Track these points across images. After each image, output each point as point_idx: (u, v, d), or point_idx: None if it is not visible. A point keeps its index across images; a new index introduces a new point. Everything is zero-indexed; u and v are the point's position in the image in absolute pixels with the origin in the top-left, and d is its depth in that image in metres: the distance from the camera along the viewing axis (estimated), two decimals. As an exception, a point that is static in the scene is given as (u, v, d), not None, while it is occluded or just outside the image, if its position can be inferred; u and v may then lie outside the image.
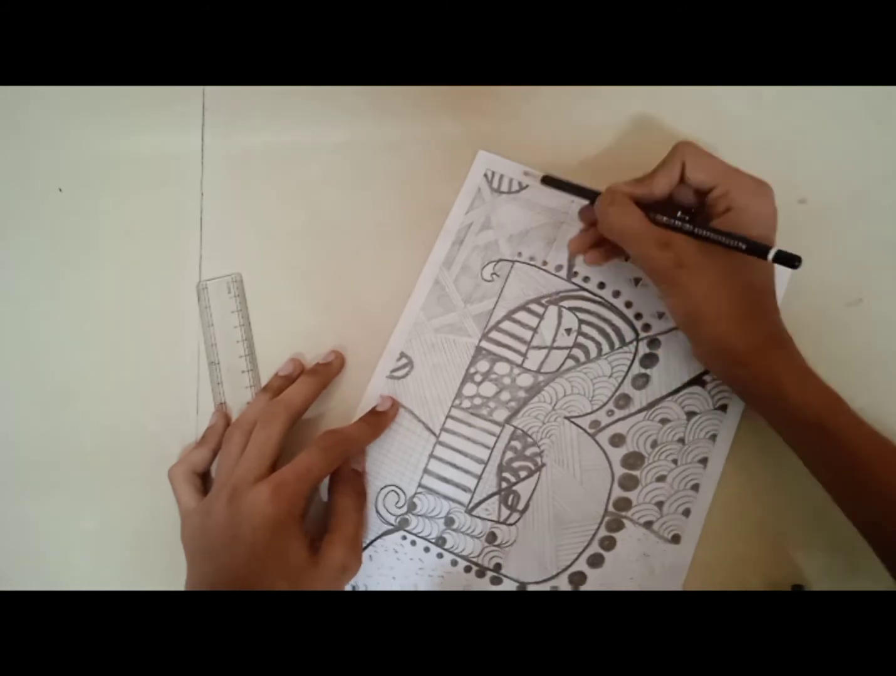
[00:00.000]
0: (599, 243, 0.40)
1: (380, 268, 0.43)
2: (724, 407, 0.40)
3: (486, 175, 0.44)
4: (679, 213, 0.36)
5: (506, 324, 0.42)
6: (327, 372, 0.41)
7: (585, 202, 0.40)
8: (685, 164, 0.36)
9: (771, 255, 0.32)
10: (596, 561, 0.39)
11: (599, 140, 0.44)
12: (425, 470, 0.40)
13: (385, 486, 0.40)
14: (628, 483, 0.39)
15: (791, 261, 0.31)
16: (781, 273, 0.41)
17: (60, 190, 0.46)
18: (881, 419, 0.39)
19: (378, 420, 0.40)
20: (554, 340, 0.41)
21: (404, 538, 0.40)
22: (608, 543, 0.39)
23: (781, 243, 0.41)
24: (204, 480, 0.40)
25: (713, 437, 0.39)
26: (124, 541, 0.41)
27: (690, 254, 0.34)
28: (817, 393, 0.34)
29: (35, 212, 0.46)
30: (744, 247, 0.33)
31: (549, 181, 0.41)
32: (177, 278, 0.44)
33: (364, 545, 0.40)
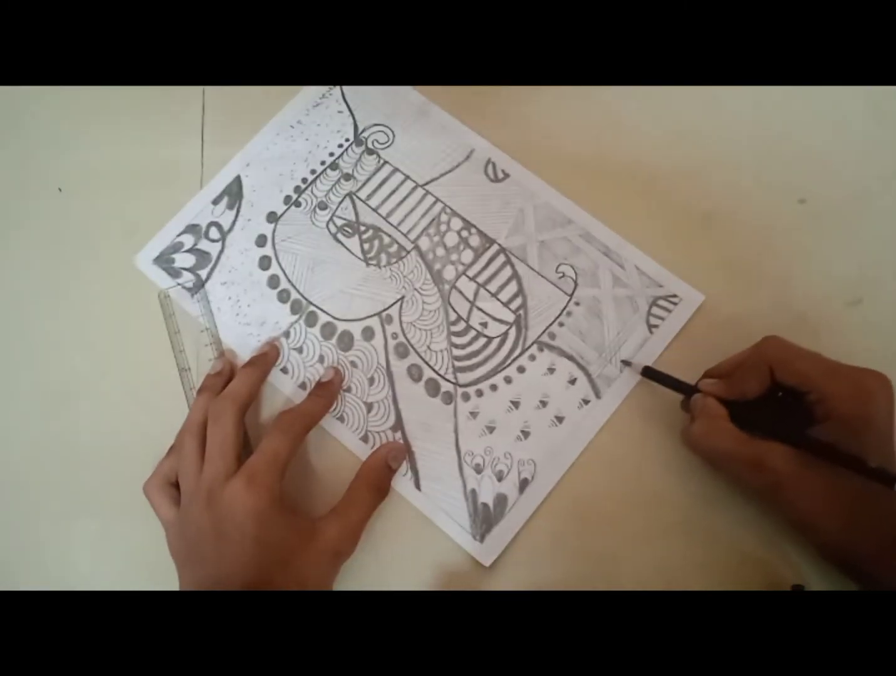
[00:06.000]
0: None
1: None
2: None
3: None
4: (780, 394, 0.34)
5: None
6: (265, 361, 0.41)
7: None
8: (773, 369, 0.34)
9: None
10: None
11: (598, 140, 0.44)
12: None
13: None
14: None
15: None
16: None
17: (60, 190, 0.46)
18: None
19: (327, 390, 0.40)
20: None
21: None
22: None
23: (780, 241, 0.42)
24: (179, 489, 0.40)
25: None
26: (124, 541, 0.41)
27: (789, 471, 0.32)
28: None
29: (35, 212, 0.46)
30: (862, 472, 0.30)
31: (648, 373, 0.39)
32: (177, 278, 0.44)
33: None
